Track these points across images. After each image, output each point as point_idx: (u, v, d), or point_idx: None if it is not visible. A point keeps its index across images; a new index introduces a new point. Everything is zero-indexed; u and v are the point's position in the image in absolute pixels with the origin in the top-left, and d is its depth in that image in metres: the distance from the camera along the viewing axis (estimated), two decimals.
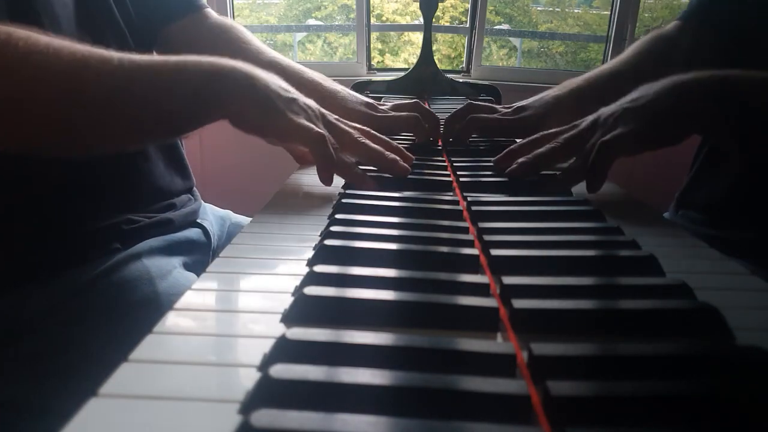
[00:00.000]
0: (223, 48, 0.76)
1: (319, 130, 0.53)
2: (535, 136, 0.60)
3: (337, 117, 0.59)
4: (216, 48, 0.75)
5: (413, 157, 0.61)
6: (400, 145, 0.62)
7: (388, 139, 0.61)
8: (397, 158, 0.57)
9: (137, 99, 0.48)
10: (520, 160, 0.57)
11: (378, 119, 0.71)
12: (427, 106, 0.76)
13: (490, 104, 0.80)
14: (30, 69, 0.43)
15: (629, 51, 0.81)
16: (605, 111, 0.56)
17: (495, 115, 0.74)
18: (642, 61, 0.78)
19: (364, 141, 0.57)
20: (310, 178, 0.62)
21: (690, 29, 0.77)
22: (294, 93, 0.55)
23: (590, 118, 0.57)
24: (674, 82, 0.53)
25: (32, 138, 0.46)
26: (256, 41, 0.80)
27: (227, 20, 0.81)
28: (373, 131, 0.61)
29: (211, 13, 0.80)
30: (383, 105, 0.77)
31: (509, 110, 0.75)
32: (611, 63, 0.81)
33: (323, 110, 0.57)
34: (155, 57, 0.50)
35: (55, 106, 0.45)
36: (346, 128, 0.57)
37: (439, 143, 0.75)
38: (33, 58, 0.43)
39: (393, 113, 0.74)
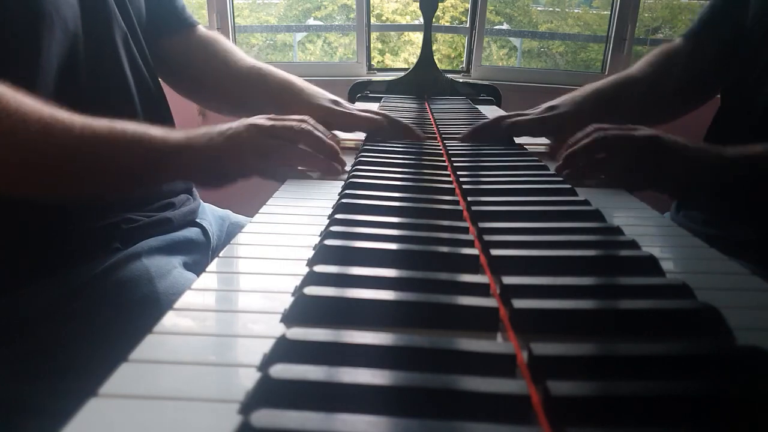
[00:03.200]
0: (209, 57, 0.83)
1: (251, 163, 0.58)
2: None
3: (275, 122, 0.61)
4: (204, 58, 0.83)
5: (341, 166, 0.64)
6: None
7: (322, 136, 0.63)
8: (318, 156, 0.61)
9: (98, 165, 0.52)
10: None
11: (339, 114, 0.77)
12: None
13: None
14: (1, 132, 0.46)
15: (642, 62, 0.91)
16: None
17: (528, 114, 0.80)
18: (652, 72, 0.87)
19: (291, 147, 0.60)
20: (310, 179, 0.62)
21: (692, 44, 0.86)
22: (228, 129, 0.58)
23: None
24: (697, 155, 0.60)
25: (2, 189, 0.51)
26: (238, 50, 0.86)
27: (213, 33, 0.87)
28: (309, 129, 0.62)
29: (201, 28, 0.85)
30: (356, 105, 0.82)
31: (540, 109, 0.81)
32: (627, 71, 0.91)
33: (262, 122, 0.60)
34: (116, 125, 0.53)
35: (22, 168, 0.49)
36: (279, 142, 0.59)
37: (439, 142, 0.75)
38: (2, 123, 0.46)
39: (355, 112, 0.78)
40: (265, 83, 0.81)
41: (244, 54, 0.85)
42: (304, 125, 0.61)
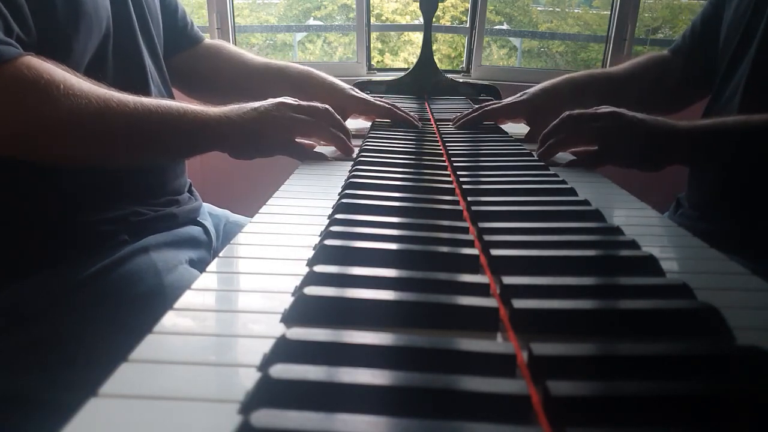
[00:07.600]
0: (222, 62, 0.89)
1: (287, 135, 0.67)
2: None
3: (301, 102, 0.70)
4: (215, 63, 0.88)
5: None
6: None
7: (340, 118, 0.73)
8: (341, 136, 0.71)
9: (148, 135, 0.59)
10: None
11: (358, 100, 0.87)
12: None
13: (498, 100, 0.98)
14: (68, 109, 0.52)
15: (628, 63, 1.00)
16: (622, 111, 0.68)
17: (502, 102, 0.91)
18: (632, 73, 0.97)
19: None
20: (309, 179, 0.62)
21: (677, 59, 0.96)
22: (261, 105, 0.66)
23: (607, 109, 0.69)
24: (668, 127, 0.67)
25: (63, 158, 0.57)
26: (246, 52, 0.93)
27: (218, 41, 0.93)
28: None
29: (206, 39, 0.91)
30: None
31: (513, 97, 0.91)
32: (609, 69, 0.99)
33: (290, 102, 0.69)
34: (161, 102, 0.60)
35: (85, 137, 0.55)
36: (303, 118, 0.68)
37: (439, 143, 0.75)
38: (70, 101, 0.52)
39: (371, 99, 0.89)
40: (283, 75, 0.88)
41: (254, 55, 0.92)
42: (326, 106, 0.70)
